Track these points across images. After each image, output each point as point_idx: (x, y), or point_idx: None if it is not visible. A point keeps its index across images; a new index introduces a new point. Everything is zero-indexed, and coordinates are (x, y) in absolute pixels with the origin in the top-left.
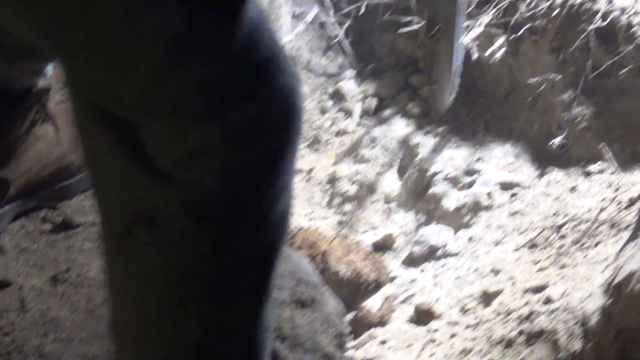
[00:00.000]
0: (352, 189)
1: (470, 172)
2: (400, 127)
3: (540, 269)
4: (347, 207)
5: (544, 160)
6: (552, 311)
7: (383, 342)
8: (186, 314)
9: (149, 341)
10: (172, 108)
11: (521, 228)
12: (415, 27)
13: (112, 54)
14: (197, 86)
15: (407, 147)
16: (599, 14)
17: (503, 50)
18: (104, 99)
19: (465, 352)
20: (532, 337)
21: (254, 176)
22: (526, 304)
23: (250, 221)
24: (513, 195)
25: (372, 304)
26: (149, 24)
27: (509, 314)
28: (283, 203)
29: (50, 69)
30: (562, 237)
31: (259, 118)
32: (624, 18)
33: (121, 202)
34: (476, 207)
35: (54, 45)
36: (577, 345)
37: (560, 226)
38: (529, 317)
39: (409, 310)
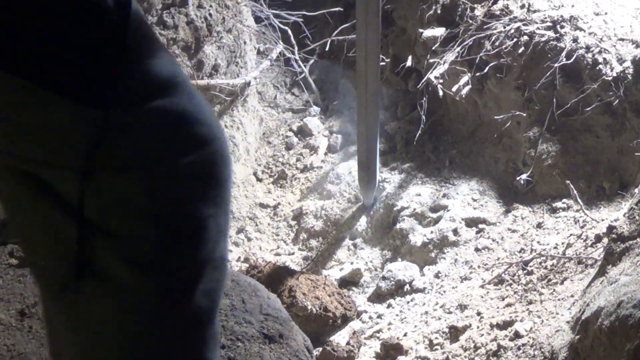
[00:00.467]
0: (318, 225)
1: (436, 209)
2: None
3: (508, 305)
4: (313, 242)
5: (509, 196)
6: (520, 347)
7: None
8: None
9: None
10: (80, 168)
11: (488, 264)
12: (381, 63)
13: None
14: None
15: None
16: (564, 52)
17: (468, 87)
18: (20, 161)
19: None
20: None
21: (184, 223)
22: (494, 339)
23: (190, 269)
24: (479, 231)
25: (340, 339)
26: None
27: (476, 349)
28: (220, 248)
29: None
30: (529, 273)
31: (178, 169)
32: (589, 56)
33: (56, 257)
34: (442, 244)
35: None
36: None
37: (527, 262)
38: (496, 352)
39: (376, 345)
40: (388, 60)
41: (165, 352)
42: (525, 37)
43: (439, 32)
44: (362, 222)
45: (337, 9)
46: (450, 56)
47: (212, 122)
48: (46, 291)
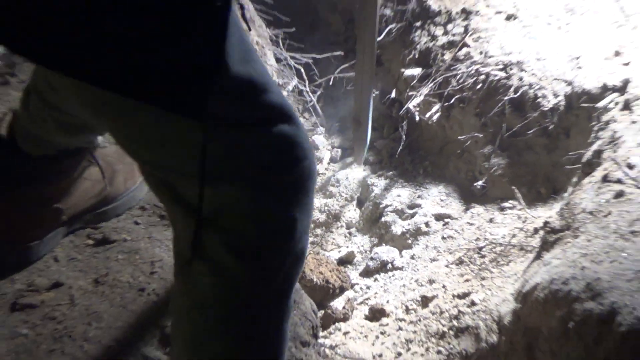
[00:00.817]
0: (322, 217)
1: (412, 206)
2: (359, 171)
3: (466, 280)
4: (318, 231)
5: (468, 198)
6: (475, 312)
7: (345, 333)
8: (231, 327)
9: (197, 346)
10: (202, 175)
11: (451, 249)
12: (372, 95)
13: (146, 142)
14: (228, 161)
15: (364, 186)
16: (512, 89)
17: (438, 114)
18: (155, 169)
19: (408, 342)
20: (460, 332)
21: (278, 225)
22: (455, 306)
23: (277, 258)
24: (445, 224)
25: (337, 304)
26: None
27: (442, 314)
28: (302, 243)
29: (100, 138)
30: (482, 256)
31: (276, 186)
32: (531, 91)
33: (182, 240)
34: (417, 233)
35: (110, 132)
36: (494, 338)
37: (481, 248)
38: (457, 316)
39: (365, 309)
40: (377, 92)
41: (257, 322)
42: (483, 76)
43: (417, 71)
44: (356, 216)
45: (338, 52)
46: (424, 90)
47: (307, 145)
48: (178, 266)
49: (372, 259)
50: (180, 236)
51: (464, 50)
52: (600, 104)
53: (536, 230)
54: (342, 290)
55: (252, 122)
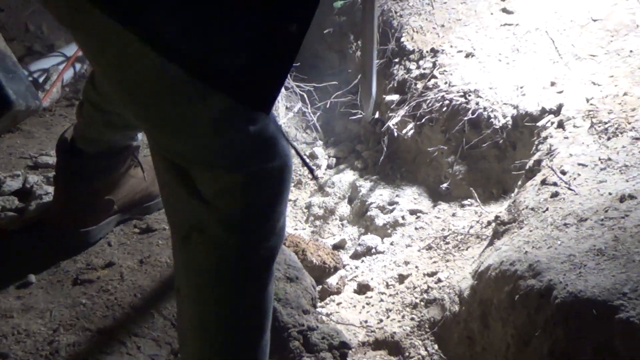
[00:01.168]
0: (320, 212)
1: (391, 203)
2: (349, 176)
3: (434, 262)
4: (317, 222)
5: (436, 197)
6: (441, 287)
7: (338, 304)
8: (225, 288)
9: (199, 307)
10: (211, 162)
11: (422, 237)
12: (359, 116)
13: (174, 130)
14: (229, 150)
15: (353, 188)
16: (470, 111)
17: (412, 131)
18: (170, 154)
19: (388, 311)
20: (429, 303)
21: (264, 205)
22: (425, 282)
23: (261, 232)
24: (417, 217)
25: (332, 281)
26: (196, 112)
27: (414, 288)
28: (281, 221)
29: (140, 135)
30: (447, 243)
31: (267, 171)
32: (485, 113)
33: (183, 218)
34: (395, 224)
35: (141, 124)
36: (456, 308)
37: (445, 237)
38: (426, 290)
39: (354, 285)
40: (364, 113)
41: (244, 282)
42: (447, 101)
43: (395, 97)
44: (347, 211)
45: (334, 82)
46: (401, 112)
47: (286, 144)
48: (175, 241)
49: (359, 245)
50: (178, 214)
51: (433, 80)
52: (540, 123)
53: (489, 223)
54: (336, 269)
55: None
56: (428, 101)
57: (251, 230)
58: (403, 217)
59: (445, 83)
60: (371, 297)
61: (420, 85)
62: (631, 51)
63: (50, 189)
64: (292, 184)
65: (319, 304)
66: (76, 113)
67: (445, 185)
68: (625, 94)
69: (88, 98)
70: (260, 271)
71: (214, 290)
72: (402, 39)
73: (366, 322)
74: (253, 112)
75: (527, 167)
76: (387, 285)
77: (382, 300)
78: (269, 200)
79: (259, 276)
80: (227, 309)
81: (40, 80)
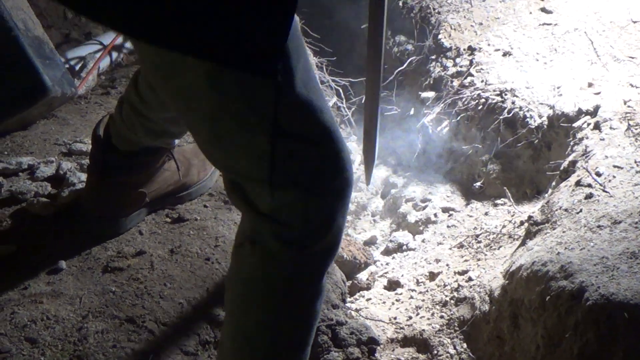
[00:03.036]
0: (352, 207)
1: (424, 200)
2: (383, 171)
3: (465, 260)
4: (349, 217)
5: (469, 195)
6: (472, 286)
7: (368, 300)
8: (271, 301)
9: (242, 318)
10: (270, 180)
11: (454, 235)
12: (395, 112)
13: (226, 148)
14: (281, 171)
15: (387, 184)
16: (506, 110)
17: (447, 128)
18: (223, 168)
19: (418, 308)
20: (459, 301)
21: (323, 222)
22: (455, 280)
23: (317, 249)
24: (450, 215)
25: (362, 276)
26: (254, 136)
27: (445, 286)
28: (337, 238)
29: (176, 141)
30: (479, 242)
31: (329, 189)
32: (521, 113)
33: (240, 228)
34: (427, 222)
35: (195, 138)
36: (486, 307)
37: (478, 235)
38: (457, 288)
39: (384, 281)
40: (399, 110)
41: (293, 297)
42: (483, 100)
43: (431, 94)
44: (379, 206)
45: None
46: (437, 109)
47: (348, 160)
48: (234, 246)
49: (391, 241)
50: (240, 225)
51: (469, 78)
52: (576, 124)
53: (522, 223)
54: (366, 265)
55: (310, 137)
56: (464, 99)
57: (306, 246)
58: (435, 215)
59: (482, 81)
60: (401, 293)
61: (456, 83)
62: None
63: (84, 177)
64: None
65: (348, 299)
66: (115, 110)
67: (478, 183)
68: None
69: (129, 99)
70: (310, 286)
71: (258, 303)
72: (440, 36)
73: (395, 318)
74: (312, 128)
75: (561, 167)
76: (418, 283)
77: (411, 297)
78: (329, 218)
79: (308, 291)
80: (270, 322)
81: (77, 67)
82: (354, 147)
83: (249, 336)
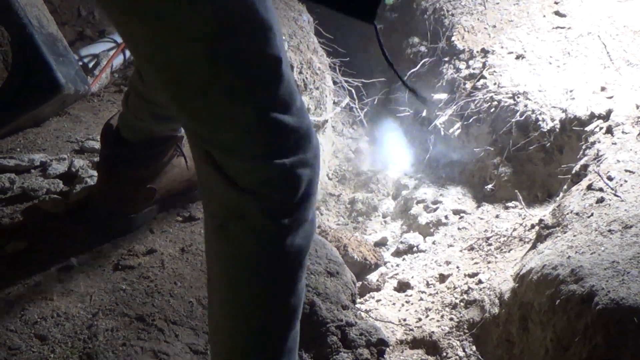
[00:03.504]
0: (363, 208)
1: (435, 202)
2: (394, 173)
3: (475, 263)
4: (360, 219)
5: (480, 198)
6: (482, 289)
7: (378, 301)
8: (264, 275)
9: (234, 294)
10: (253, 153)
11: (464, 238)
12: (407, 113)
13: (216, 123)
14: (274, 141)
15: (397, 185)
16: (518, 113)
17: (459, 130)
18: (207, 145)
19: (427, 310)
20: (469, 303)
21: (302, 193)
22: (466, 283)
23: (300, 220)
24: (460, 217)
25: (372, 278)
26: (243, 107)
27: (455, 289)
28: (314, 210)
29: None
30: (489, 245)
31: (305, 160)
32: (533, 116)
33: (219, 205)
34: (438, 223)
35: (179, 114)
36: (495, 310)
37: (488, 238)
38: (467, 291)
39: (394, 282)
40: (412, 111)
41: (283, 266)
42: (495, 102)
43: (443, 96)
44: (390, 208)
45: (382, 78)
46: (449, 111)
47: (316, 139)
48: (210, 228)
49: (401, 242)
50: (215, 203)
51: (482, 81)
52: (588, 128)
53: (533, 226)
54: (377, 266)
55: (293, 110)
56: (476, 101)
57: (292, 218)
58: (446, 217)
59: (495, 84)
60: (411, 295)
61: (469, 85)
62: None
63: (95, 174)
64: (337, 179)
65: (358, 300)
66: (122, 102)
67: (490, 186)
68: None
69: (134, 88)
70: (297, 259)
71: (252, 278)
72: (453, 38)
73: (405, 320)
74: (290, 102)
75: (573, 171)
76: (428, 285)
77: (421, 299)
78: (307, 189)
79: (297, 263)
80: (265, 295)
81: (90, 65)
82: (365, 148)
83: (246, 312)
